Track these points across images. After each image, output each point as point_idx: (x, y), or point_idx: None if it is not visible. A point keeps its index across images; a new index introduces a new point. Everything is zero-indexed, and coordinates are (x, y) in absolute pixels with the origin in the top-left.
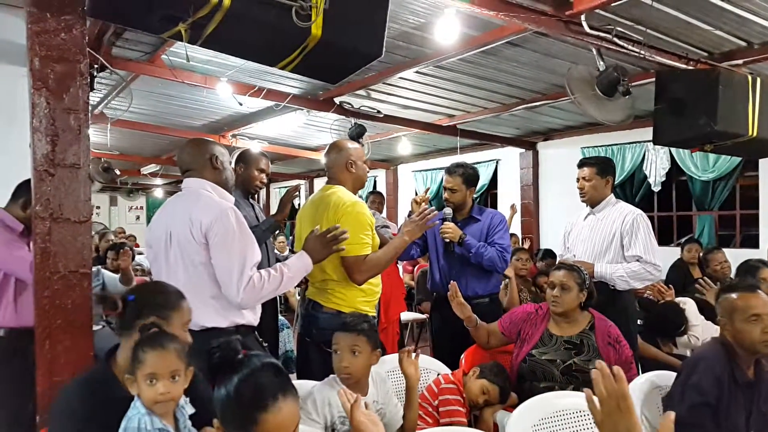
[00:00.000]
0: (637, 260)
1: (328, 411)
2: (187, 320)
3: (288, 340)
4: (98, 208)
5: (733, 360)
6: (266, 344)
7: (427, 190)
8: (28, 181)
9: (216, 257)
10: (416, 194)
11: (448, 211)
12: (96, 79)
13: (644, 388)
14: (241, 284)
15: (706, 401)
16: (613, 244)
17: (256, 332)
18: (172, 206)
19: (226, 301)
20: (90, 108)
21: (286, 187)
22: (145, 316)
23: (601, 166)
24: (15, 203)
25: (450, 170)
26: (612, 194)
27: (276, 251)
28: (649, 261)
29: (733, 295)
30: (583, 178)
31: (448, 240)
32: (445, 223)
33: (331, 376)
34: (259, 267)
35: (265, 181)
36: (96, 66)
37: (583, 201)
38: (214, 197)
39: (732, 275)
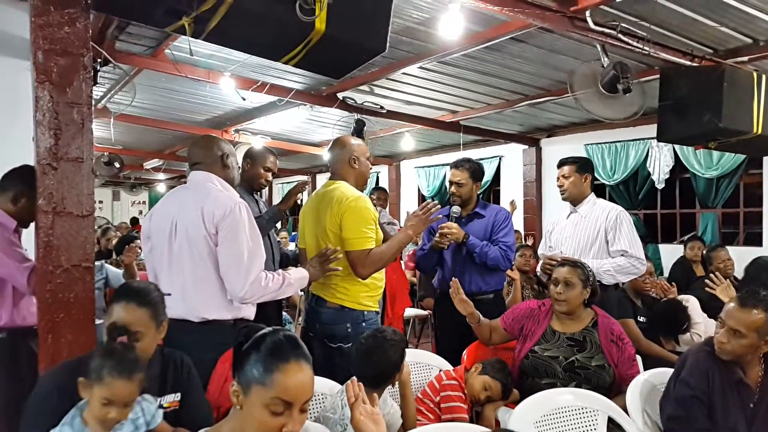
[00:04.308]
0: (622, 255)
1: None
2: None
3: None
4: (101, 202)
5: (719, 358)
6: None
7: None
8: (15, 170)
9: (225, 249)
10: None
11: (456, 209)
12: (99, 73)
13: (646, 385)
14: (249, 277)
15: (695, 395)
16: (598, 239)
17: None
18: (178, 197)
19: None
20: (93, 102)
21: (288, 183)
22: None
23: (580, 163)
24: (3, 196)
25: (457, 164)
26: (592, 193)
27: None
28: (634, 255)
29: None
30: (563, 176)
31: (446, 243)
32: (447, 222)
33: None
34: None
35: (270, 179)
36: (99, 60)
37: (563, 199)
38: (223, 191)
39: (735, 273)
